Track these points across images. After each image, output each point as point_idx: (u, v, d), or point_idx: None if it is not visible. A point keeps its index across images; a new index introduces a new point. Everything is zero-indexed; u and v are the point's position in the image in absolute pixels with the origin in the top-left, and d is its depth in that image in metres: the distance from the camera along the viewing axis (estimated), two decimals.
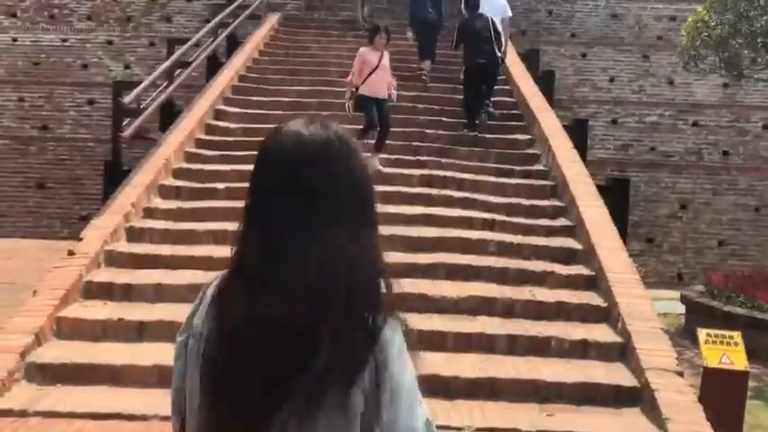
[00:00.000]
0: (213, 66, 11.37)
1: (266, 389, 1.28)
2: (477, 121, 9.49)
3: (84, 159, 13.28)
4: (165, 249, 6.65)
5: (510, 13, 10.39)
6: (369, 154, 8.00)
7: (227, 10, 12.16)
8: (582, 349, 5.51)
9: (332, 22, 14.05)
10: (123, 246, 6.72)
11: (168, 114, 9.86)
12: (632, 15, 14.32)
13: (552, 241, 7.11)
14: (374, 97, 8.28)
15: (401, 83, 11.00)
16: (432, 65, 11.19)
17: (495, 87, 10.58)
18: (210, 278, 1.50)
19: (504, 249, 6.88)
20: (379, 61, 8.30)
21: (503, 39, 9.66)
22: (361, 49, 8.55)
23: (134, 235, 6.91)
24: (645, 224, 12.74)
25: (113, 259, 6.45)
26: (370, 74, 8.22)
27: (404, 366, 1.33)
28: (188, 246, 6.77)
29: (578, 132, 10.05)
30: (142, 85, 8.29)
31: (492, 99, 9.82)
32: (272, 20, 13.46)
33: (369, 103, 8.28)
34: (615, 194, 8.56)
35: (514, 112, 10.46)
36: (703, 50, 9.16)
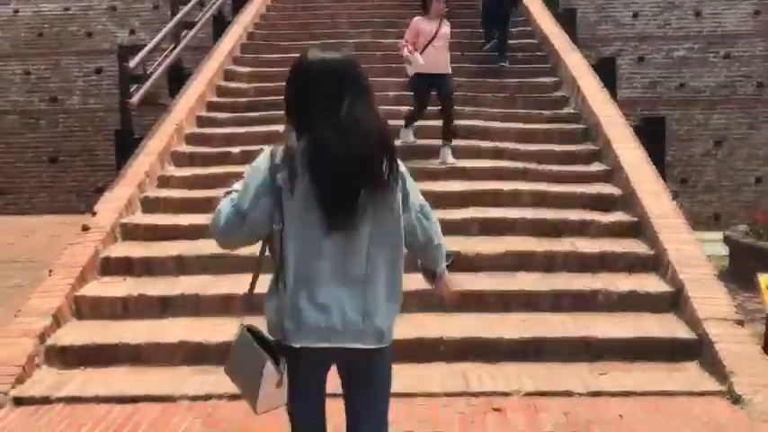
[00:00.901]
0: (220, 25, 10.94)
1: (352, 189, 2.20)
2: (501, 63, 9.45)
3: (96, 130, 12.99)
4: (183, 219, 6.35)
5: None
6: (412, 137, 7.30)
7: None
8: (631, 301, 5.15)
9: None
10: (139, 217, 6.43)
11: (177, 78, 9.49)
12: None
13: (589, 188, 6.71)
14: (431, 74, 7.08)
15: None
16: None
17: (514, 30, 10.26)
18: (269, 148, 2.34)
19: (538, 199, 6.50)
20: (437, 32, 7.12)
21: None
22: (415, 19, 7.30)
23: (150, 205, 6.61)
24: (678, 164, 12.24)
25: (130, 232, 6.16)
26: (426, 47, 7.05)
27: (411, 180, 2.38)
28: (206, 214, 6.39)
29: (605, 72, 9.55)
30: (146, 49, 7.92)
31: (512, 36, 9.87)
32: None
33: (423, 83, 7.15)
34: (650, 135, 8.10)
35: (538, 53, 9.97)
36: None
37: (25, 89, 13.47)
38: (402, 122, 7.35)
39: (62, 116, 13.32)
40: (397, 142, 7.14)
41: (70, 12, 13.71)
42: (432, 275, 2.53)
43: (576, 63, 9.02)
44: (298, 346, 2.21)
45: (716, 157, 12.63)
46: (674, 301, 5.10)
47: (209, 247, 5.83)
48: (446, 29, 7.30)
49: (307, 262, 2.22)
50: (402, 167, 2.32)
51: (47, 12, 13.71)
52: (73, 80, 13.47)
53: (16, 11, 13.72)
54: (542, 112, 8.36)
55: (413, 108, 7.37)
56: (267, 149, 2.31)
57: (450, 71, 7.29)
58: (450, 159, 7.07)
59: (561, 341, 4.76)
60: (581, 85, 8.33)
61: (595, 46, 12.47)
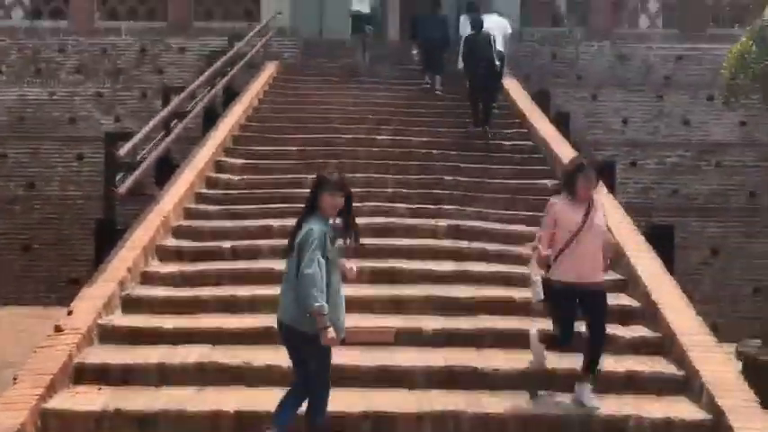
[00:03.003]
0: (211, 116, 10.68)
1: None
2: (485, 127, 10.12)
3: (74, 218, 12.44)
4: (168, 321, 5.80)
5: (510, 30, 11.51)
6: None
7: (223, 59, 11.53)
8: (666, 430, 4.66)
9: (332, 68, 13.49)
10: (119, 318, 5.87)
11: (164, 168, 9.10)
12: (639, 56, 13.88)
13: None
14: (577, 286, 4.83)
15: (411, 110, 10.54)
16: (441, 79, 11.97)
17: (509, 131, 10.41)
18: None
19: None
20: (585, 221, 4.83)
21: (504, 52, 10.73)
22: (554, 202, 5.00)
23: (131, 305, 6.06)
24: (674, 272, 11.96)
25: (108, 335, 5.58)
26: (570, 242, 4.82)
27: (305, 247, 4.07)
28: (193, 316, 5.92)
29: (605, 176, 9.36)
30: (138, 136, 7.56)
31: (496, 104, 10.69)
32: (271, 68, 12.88)
33: (567, 299, 4.87)
34: (657, 243, 7.79)
35: (535, 156, 9.81)
36: (745, 83, 8.55)
37: (2, 174, 12.99)
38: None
39: (38, 203, 12.79)
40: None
41: (55, 97, 13.44)
42: None
43: None
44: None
45: (713, 267, 12.40)
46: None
47: (194, 353, 5.32)
48: (600, 216, 4.97)
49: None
50: (303, 237, 4.08)
51: (31, 96, 13.44)
52: (52, 166, 13.03)
53: None
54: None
55: (555, 334, 5.03)
56: None
57: (603, 279, 5.06)
58: (593, 402, 4.81)
59: None
60: None
61: (588, 150, 12.39)
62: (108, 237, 7.34)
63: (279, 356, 4.77)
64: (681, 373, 5.19)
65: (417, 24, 12.29)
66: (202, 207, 8.03)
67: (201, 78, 10.62)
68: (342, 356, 4.73)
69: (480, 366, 5.19)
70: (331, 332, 3.98)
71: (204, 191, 8.40)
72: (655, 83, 13.66)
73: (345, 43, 13.85)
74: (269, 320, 5.02)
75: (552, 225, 4.94)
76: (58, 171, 12.97)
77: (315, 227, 4.05)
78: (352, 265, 4.38)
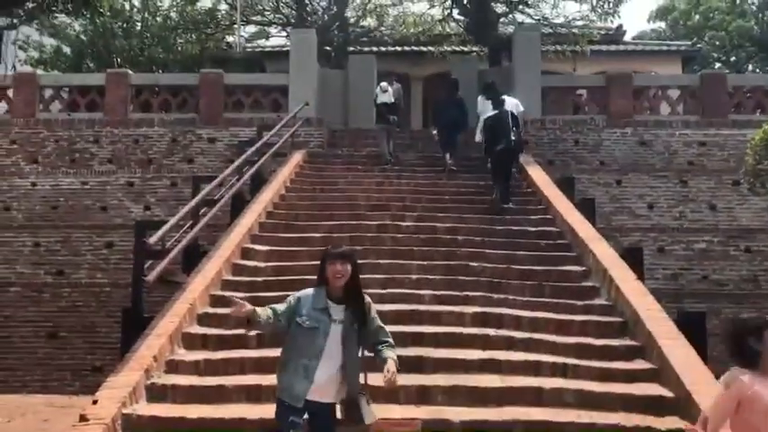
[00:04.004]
0: (238, 204, 10.87)
1: None
2: (504, 203, 10.80)
3: (100, 305, 12.55)
4: (192, 410, 5.75)
5: (522, 108, 12.25)
6: None
7: (252, 149, 11.83)
8: None
9: (356, 157, 13.79)
10: (144, 407, 5.82)
11: (192, 255, 9.21)
12: (661, 142, 13.98)
13: (637, 388, 6.15)
14: None
15: (434, 196, 10.60)
16: (452, 157, 12.61)
17: (534, 217, 10.46)
18: None
19: (583, 400, 5.91)
20: None
21: (520, 127, 11.49)
22: (742, 382, 3.50)
23: (156, 394, 6.02)
24: (708, 361, 11.66)
25: (133, 425, 5.54)
26: None
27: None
28: (217, 405, 5.86)
29: (632, 262, 9.29)
30: (168, 225, 7.67)
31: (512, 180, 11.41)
32: (297, 157, 13.16)
33: None
34: (689, 330, 7.64)
35: (561, 241, 9.78)
36: None
37: (32, 261, 13.22)
38: None
39: (66, 290, 12.94)
40: None
41: (87, 186, 13.80)
42: None
43: (603, 252, 8.78)
44: None
45: None
46: None
47: None
48: None
49: None
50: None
51: (64, 185, 13.81)
52: (82, 254, 13.25)
53: (34, 184, 13.82)
54: (574, 302, 7.96)
55: None
56: None
57: None
58: None
59: None
60: (613, 275, 8.02)
61: (614, 236, 12.35)
62: (135, 325, 7.38)
63: None
64: None
65: (437, 109, 13.50)
66: (228, 294, 8.04)
67: (230, 168, 10.86)
68: None
69: None
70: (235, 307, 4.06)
71: (230, 277, 8.45)
72: (678, 168, 13.71)
73: (370, 132, 14.20)
74: None
75: (733, 408, 3.52)
76: (87, 258, 13.17)
77: (302, 292, 4.20)
78: (392, 371, 4.07)
